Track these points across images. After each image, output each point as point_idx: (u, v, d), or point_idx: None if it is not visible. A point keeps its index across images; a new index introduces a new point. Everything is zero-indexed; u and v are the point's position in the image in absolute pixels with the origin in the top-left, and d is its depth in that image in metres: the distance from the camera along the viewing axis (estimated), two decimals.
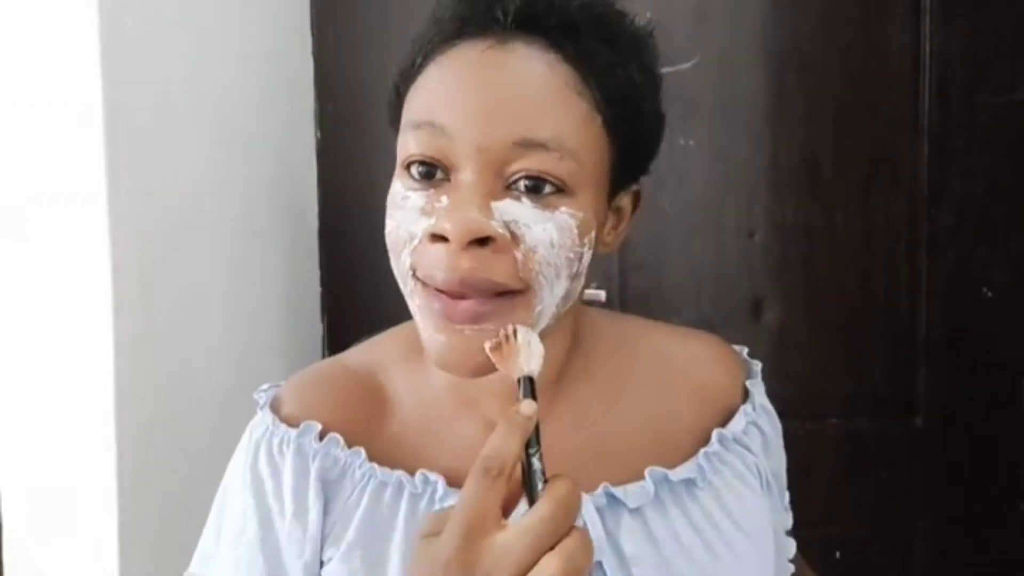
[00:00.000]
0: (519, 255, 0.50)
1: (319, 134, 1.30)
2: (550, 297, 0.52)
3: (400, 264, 0.53)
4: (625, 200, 0.58)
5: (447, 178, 0.51)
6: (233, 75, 1.10)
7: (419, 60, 0.54)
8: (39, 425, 0.88)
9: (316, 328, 1.30)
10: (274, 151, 1.20)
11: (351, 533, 0.57)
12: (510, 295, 0.51)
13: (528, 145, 0.49)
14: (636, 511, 0.58)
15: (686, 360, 0.66)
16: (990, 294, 1.26)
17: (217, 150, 1.06)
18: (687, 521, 0.58)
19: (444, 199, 0.50)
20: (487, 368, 0.51)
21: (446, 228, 0.49)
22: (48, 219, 0.86)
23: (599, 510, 0.57)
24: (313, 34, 1.30)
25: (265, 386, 0.64)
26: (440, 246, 0.50)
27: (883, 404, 1.27)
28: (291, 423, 0.60)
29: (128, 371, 0.88)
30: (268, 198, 1.18)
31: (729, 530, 0.59)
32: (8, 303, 0.88)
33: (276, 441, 0.60)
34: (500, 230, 0.49)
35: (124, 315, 0.87)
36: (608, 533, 0.56)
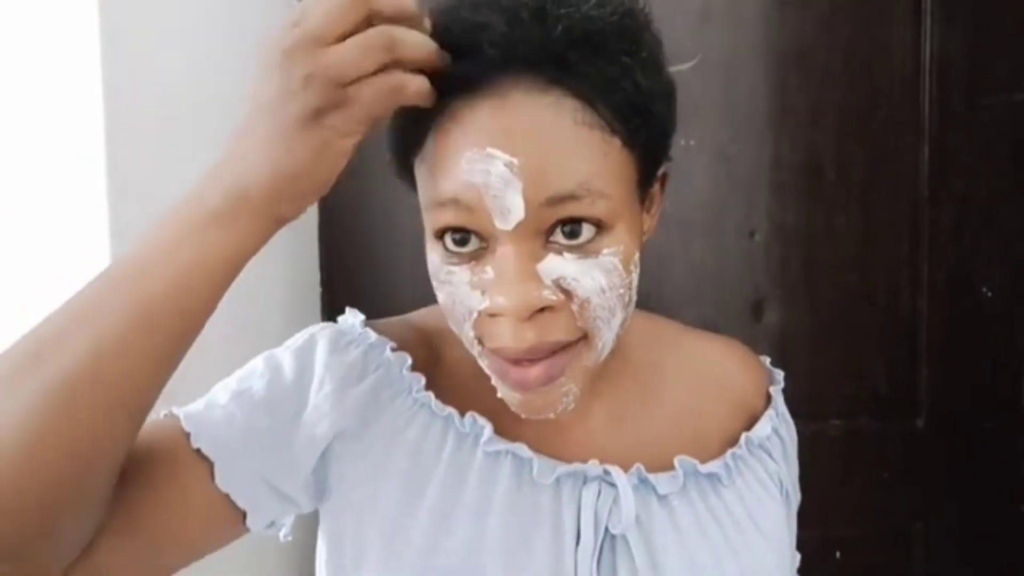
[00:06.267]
0: (575, 307, 0.50)
1: None
2: (609, 333, 0.53)
3: (464, 334, 0.53)
4: (655, 188, 0.58)
5: (485, 245, 0.50)
6: (234, 75, 1.09)
7: (414, 124, 0.51)
8: None
9: None
10: None
11: (396, 456, 0.58)
12: (573, 344, 0.52)
13: (557, 201, 0.48)
14: (664, 499, 0.59)
15: (715, 363, 0.68)
16: (990, 294, 1.25)
17: (218, 150, 1.05)
18: (711, 515, 0.60)
19: (489, 270, 0.50)
20: (564, 411, 0.53)
21: (503, 307, 0.49)
22: (48, 220, 0.86)
23: (632, 488, 0.58)
24: None
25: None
26: (501, 320, 0.50)
27: (884, 404, 1.27)
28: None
29: None
30: None
31: (749, 530, 0.60)
32: (8, 303, 0.88)
33: (349, 337, 0.61)
34: (553, 297, 0.49)
35: None
36: (636, 517, 0.57)
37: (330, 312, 1.31)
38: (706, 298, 1.26)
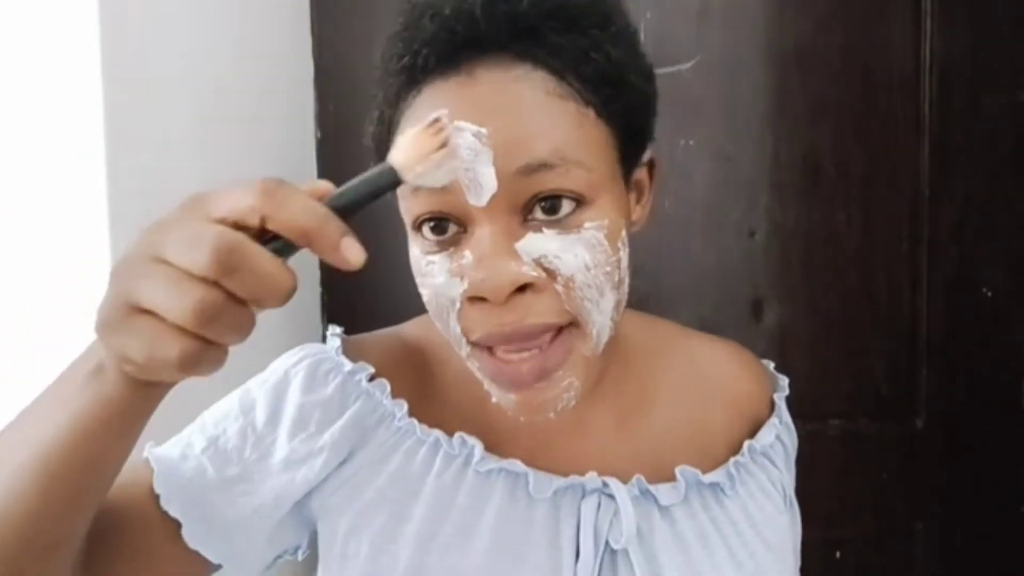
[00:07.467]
0: (559, 287, 0.49)
1: (319, 134, 1.30)
2: (601, 316, 0.51)
3: (450, 330, 0.52)
4: (642, 173, 0.57)
5: (463, 229, 0.49)
6: (233, 74, 1.09)
7: (388, 118, 0.51)
8: None
9: (316, 328, 1.30)
10: (274, 150, 1.20)
11: (381, 484, 0.56)
12: (563, 332, 0.50)
13: (530, 170, 0.47)
14: (665, 510, 0.58)
15: (718, 368, 0.66)
16: (990, 294, 1.25)
17: (217, 150, 1.05)
18: (714, 526, 0.58)
19: (468, 254, 0.48)
20: (566, 409, 0.51)
21: (482, 289, 0.47)
22: (48, 220, 0.86)
23: (632, 500, 0.57)
24: (313, 34, 1.29)
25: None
26: (482, 305, 0.48)
27: (884, 405, 1.27)
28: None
29: None
30: None
31: (753, 540, 0.59)
32: (9, 303, 0.88)
33: (327, 366, 0.59)
34: (533, 272, 0.48)
35: None
36: (638, 529, 0.56)
37: (330, 312, 1.32)
38: (706, 298, 1.26)
